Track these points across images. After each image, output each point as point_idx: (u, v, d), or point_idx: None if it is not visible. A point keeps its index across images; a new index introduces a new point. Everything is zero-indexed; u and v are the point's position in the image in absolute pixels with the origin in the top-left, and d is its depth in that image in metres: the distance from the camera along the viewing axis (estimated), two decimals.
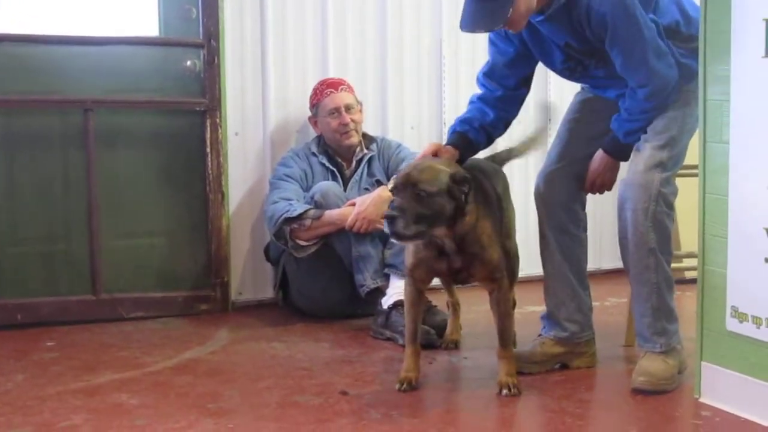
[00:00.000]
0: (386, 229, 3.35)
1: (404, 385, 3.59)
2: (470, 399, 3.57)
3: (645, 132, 3.55)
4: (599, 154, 3.68)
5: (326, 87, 4.80)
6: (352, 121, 4.75)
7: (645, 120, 3.54)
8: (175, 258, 4.89)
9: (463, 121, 3.80)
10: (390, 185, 3.51)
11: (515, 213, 4.14)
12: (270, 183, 4.77)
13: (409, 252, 3.65)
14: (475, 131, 3.78)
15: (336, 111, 4.74)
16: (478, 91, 3.83)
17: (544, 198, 3.82)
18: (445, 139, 5.14)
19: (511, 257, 4.10)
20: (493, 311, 3.64)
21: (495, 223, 3.62)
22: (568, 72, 3.73)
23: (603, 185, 3.72)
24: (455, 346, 4.18)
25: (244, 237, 5.00)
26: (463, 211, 3.42)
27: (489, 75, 3.79)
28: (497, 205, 3.72)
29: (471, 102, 3.85)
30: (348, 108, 4.75)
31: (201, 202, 4.84)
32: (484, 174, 3.76)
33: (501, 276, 3.60)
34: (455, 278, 3.74)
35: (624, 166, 3.66)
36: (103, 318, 4.66)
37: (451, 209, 3.39)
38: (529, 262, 4.88)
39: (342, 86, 4.80)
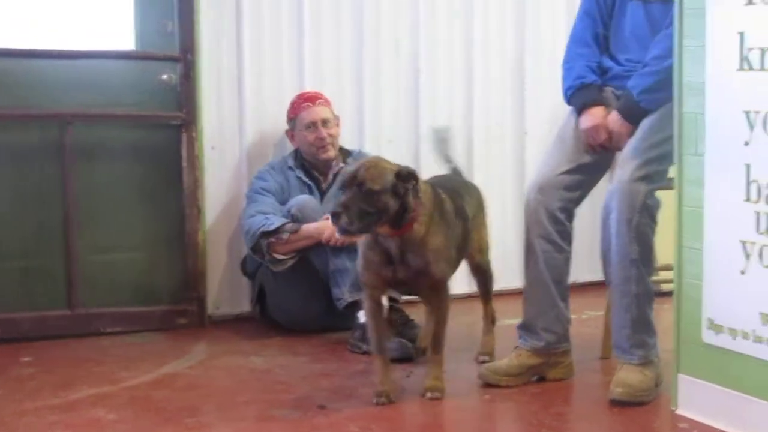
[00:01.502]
0: (331, 224, 3.41)
1: (382, 398, 3.60)
2: (448, 412, 3.58)
3: (658, 94, 3.57)
4: (612, 112, 3.73)
5: (303, 101, 4.80)
6: (329, 135, 4.74)
7: (659, 71, 3.55)
8: (152, 272, 4.87)
9: (589, 68, 3.85)
10: (337, 183, 3.55)
11: (488, 230, 4.18)
12: (246, 197, 4.76)
13: (359, 255, 3.69)
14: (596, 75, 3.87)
15: (313, 125, 4.73)
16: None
17: (533, 207, 3.81)
18: (421, 154, 5.20)
19: (483, 272, 4.15)
20: (430, 316, 3.72)
21: (448, 241, 3.65)
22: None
23: (610, 137, 3.73)
24: (424, 354, 4.16)
25: (221, 251, 4.99)
26: (408, 208, 3.46)
27: (588, 12, 3.88)
28: (460, 223, 3.75)
29: (579, 53, 3.90)
30: (325, 122, 4.75)
31: (177, 216, 4.82)
32: (451, 191, 3.80)
33: (444, 293, 3.68)
34: (402, 287, 3.80)
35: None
36: (80, 333, 4.63)
37: (396, 206, 3.44)
38: (506, 275, 4.90)
39: (319, 100, 4.80)
